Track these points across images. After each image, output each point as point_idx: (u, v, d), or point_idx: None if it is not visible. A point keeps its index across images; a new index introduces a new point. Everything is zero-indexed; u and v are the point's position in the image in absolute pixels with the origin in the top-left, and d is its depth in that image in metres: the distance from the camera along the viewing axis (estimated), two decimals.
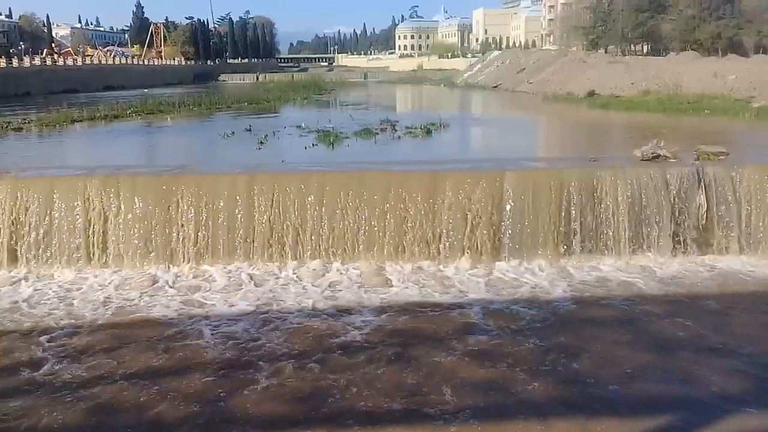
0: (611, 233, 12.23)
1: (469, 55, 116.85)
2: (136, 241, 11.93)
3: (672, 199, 12.48)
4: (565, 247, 12.17)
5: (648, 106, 33.48)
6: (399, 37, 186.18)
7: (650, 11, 67.33)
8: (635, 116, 30.03)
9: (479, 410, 7.04)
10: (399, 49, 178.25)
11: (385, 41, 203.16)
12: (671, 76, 39.87)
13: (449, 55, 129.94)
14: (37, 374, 7.98)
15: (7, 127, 26.77)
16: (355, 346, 8.68)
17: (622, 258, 12.12)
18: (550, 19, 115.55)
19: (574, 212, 12.21)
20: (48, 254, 11.89)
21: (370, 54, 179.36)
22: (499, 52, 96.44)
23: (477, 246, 12.04)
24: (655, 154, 13.65)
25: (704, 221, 12.48)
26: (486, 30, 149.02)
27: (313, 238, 12.05)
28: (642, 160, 13.61)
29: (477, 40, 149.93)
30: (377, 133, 21.75)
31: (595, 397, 7.30)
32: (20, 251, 11.87)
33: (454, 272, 11.60)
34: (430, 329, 9.24)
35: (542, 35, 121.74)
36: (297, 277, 11.42)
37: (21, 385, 7.71)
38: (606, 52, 71.20)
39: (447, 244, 12.02)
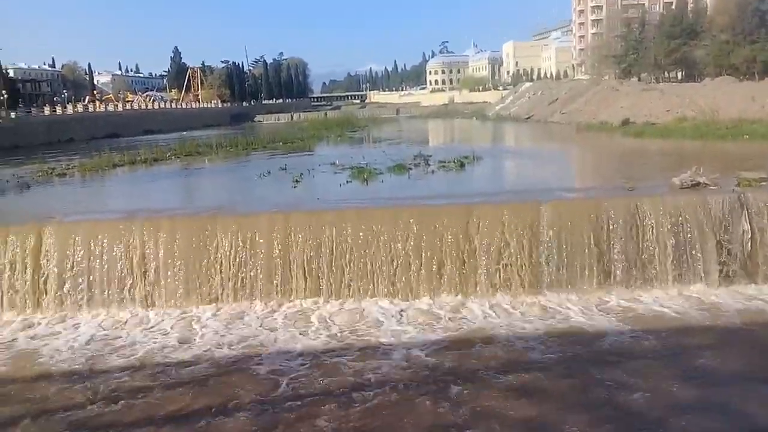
0: (653, 263, 11.98)
1: (500, 88, 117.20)
2: (177, 282, 12.11)
3: (714, 226, 12.20)
4: (605, 278, 11.96)
5: (684, 132, 32.95)
6: (430, 72, 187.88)
7: (683, 38, 66.77)
8: (671, 143, 29.58)
9: None
10: (430, 84, 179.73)
11: (416, 77, 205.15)
12: (707, 102, 39.26)
13: (480, 88, 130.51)
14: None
15: (51, 173, 27.63)
16: (394, 380, 8.59)
17: (665, 288, 11.85)
18: (581, 49, 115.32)
19: (614, 243, 12.02)
20: (90, 296, 12.13)
21: (402, 90, 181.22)
22: (531, 83, 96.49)
23: (514, 279, 11.92)
24: (694, 182, 13.41)
25: (749, 248, 12.14)
26: (517, 62, 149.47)
27: (347, 274, 12.08)
28: (681, 188, 13.38)
29: (508, 72, 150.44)
30: (411, 168, 21.82)
31: None
32: (65, 293, 12.15)
33: (491, 306, 11.46)
34: (470, 364, 9.10)
35: (573, 65, 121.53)
36: (330, 315, 11.43)
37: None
38: (639, 79, 70.64)
39: (484, 278, 11.92)
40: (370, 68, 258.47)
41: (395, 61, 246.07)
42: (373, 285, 12.06)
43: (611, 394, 8.00)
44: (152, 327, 11.37)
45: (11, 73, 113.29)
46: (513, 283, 11.95)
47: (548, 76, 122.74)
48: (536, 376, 8.62)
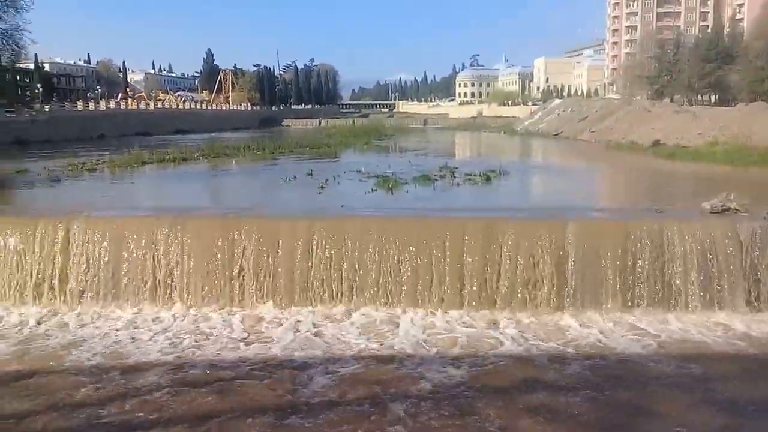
0: (680, 288, 11.76)
1: (530, 103, 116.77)
2: (199, 282, 12.18)
3: (744, 253, 11.95)
4: (630, 300, 11.77)
5: (715, 157, 32.44)
6: (459, 84, 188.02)
7: (717, 62, 65.99)
8: (702, 167, 29.17)
9: None
10: (459, 96, 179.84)
11: (445, 88, 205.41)
12: (740, 127, 38.60)
13: (509, 102, 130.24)
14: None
15: (82, 167, 28.13)
16: (417, 396, 8.52)
17: (692, 313, 11.61)
18: (613, 68, 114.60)
19: (640, 265, 11.83)
20: (115, 293, 12.25)
21: (430, 101, 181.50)
22: (561, 100, 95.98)
23: (537, 297, 11.78)
24: (724, 207, 13.17)
25: None
26: (547, 78, 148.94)
27: (369, 283, 12.05)
28: (711, 212, 13.14)
29: (538, 88, 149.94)
30: (436, 180, 21.80)
31: None
32: (89, 289, 12.28)
33: (515, 323, 11.34)
34: (492, 383, 8.99)
35: (605, 84, 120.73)
36: (353, 322, 11.38)
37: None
38: (672, 101, 69.87)
39: (507, 294, 11.80)
40: (400, 78, 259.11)
41: (425, 72, 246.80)
42: (389, 295, 11.98)
43: (633, 419, 7.85)
44: (168, 327, 11.41)
45: (47, 68, 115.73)
46: (534, 301, 11.81)
47: (579, 93, 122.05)
48: (553, 396, 8.49)
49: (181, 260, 12.27)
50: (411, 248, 12.02)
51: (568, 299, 11.75)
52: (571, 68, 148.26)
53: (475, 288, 11.82)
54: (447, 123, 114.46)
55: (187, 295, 12.19)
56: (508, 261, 11.85)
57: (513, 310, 11.68)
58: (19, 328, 11.36)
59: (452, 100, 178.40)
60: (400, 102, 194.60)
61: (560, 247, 11.92)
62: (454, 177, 22.77)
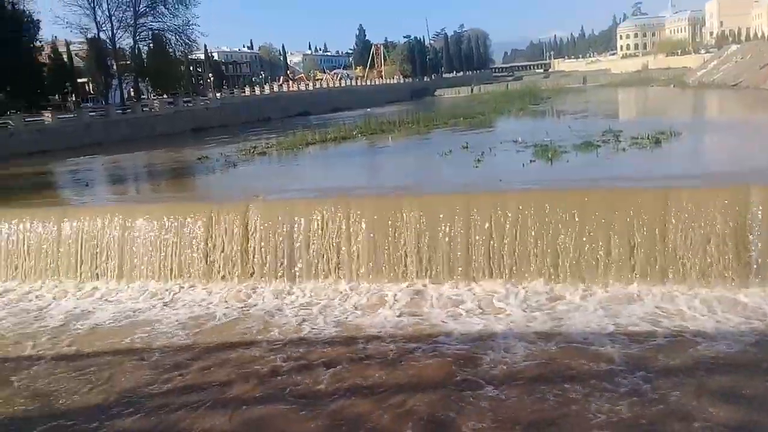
0: None
1: (702, 51, 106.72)
2: (366, 259, 12.74)
3: None
4: None
5: None
6: (620, 36, 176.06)
7: None
8: None
9: None
10: (621, 49, 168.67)
11: (605, 42, 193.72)
12: None
13: (679, 52, 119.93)
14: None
15: (253, 151, 30.30)
16: (596, 373, 8.35)
17: None
18: None
19: None
20: (293, 271, 13.18)
21: (589, 57, 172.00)
22: (738, 45, 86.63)
23: (718, 270, 10.93)
24: None
25: None
26: (721, 22, 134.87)
27: (531, 258, 11.88)
28: None
29: (711, 33, 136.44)
30: (599, 146, 20.73)
31: None
32: (268, 267, 13.31)
33: (692, 299, 10.63)
34: (663, 361, 8.57)
35: None
36: (522, 298, 11.30)
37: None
38: None
39: (682, 269, 11.08)
40: (554, 35, 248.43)
41: (582, 27, 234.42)
42: (556, 270, 11.73)
43: None
44: (346, 298, 12.09)
45: (216, 57, 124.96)
46: (715, 275, 10.96)
47: (759, 36, 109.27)
48: (744, 376, 7.93)
49: (349, 238, 12.86)
50: (572, 223, 11.66)
51: (753, 270, 10.78)
52: (749, 8, 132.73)
53: (648, 262, 11.21)
54: (608, 79, 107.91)
55: (360, 272, 12.76)
56: (683, 232, 11.10)
57: (689, 283, 10.95)
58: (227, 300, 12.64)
59: (613, 53, 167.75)
60: (556, 61, 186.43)
61: (743, 214, 10.93)
62: (619, 141, 21.52)
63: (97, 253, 14.31)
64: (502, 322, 10.39)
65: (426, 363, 9.15)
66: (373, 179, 21.13)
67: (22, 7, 59.98)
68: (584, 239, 11.59)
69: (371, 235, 12.76)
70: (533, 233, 11.82)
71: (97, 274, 14.25)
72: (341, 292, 12.47)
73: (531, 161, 18.79)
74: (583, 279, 11.55)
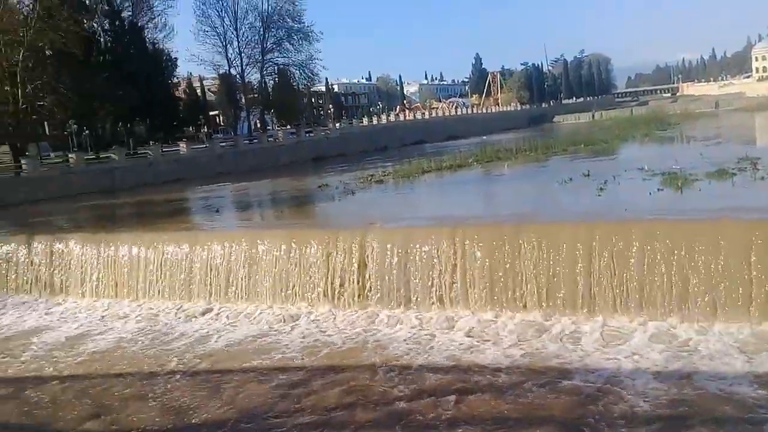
0: None
1: None
2: (481, 288, 12.57)
3: None
4: None
5: None
6: (756, 58, 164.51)
7: None
8: None
9: None
10: (756, 71, 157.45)
11: (738, 65, 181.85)
12: None
13: None
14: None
15: (371, 179, 30.94)
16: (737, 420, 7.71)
17: None
18: None
19: None
20: (408, 298, 13.24)
21: (721, 80, 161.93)
22: None
23: None
24: None
25: None
26: None
27: (659, 292, 11.21)
28: None
29: None
30: (734, 174, 19.30)
31: None
32: (383, 294, 13.46)
33: None
34: None
35: None
36: (650, 334, 10.67)
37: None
38: None
39: None
40: (683, 58, 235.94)
41: (713, 49, 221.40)
42: (685, 305, 10.99)
43: None
44: (461, 328, 11.95)
45: (335, 89, 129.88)
46: None
47: None
48: None
49: (464, 267, 12.76)
50: (705, 255, 10.89)
51: None
52: None
53: None
54: (743, 103, 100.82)
55: (475, 301, 12.61)
56: None
57: None
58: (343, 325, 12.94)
59: (748, 76, 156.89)
60: (685, 84, 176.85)
61: None
62: (757, 169, 19.93)
63: (224, 276, 15.10)
64: (630, 360, 9.84)
65: (548, 400, 8.81)
66: (489, 207, 20.88)
67: (161, 46, 65.70)
68: (719, 273, 10.79)
69: (487, 263, 12.60)
70: (663, 266, 11.17)
71: (225, 296, 15.01)
72: (456, 321, 12.34)
73: (658, 190, 17.81)
74: (717, 316, 10.74)
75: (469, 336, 11.56)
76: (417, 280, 13.14)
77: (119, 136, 55.71)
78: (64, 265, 17.54)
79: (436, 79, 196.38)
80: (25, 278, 18.15)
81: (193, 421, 9.25)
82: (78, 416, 9.86)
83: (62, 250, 17.66)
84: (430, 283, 13.03)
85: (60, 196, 37.11)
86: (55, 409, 10.33)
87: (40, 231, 20.47)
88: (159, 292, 15.88)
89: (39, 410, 10.36)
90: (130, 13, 64.33)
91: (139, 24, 64.24)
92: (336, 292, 13.91)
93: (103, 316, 15.51)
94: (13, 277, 18.41)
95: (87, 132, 53.10)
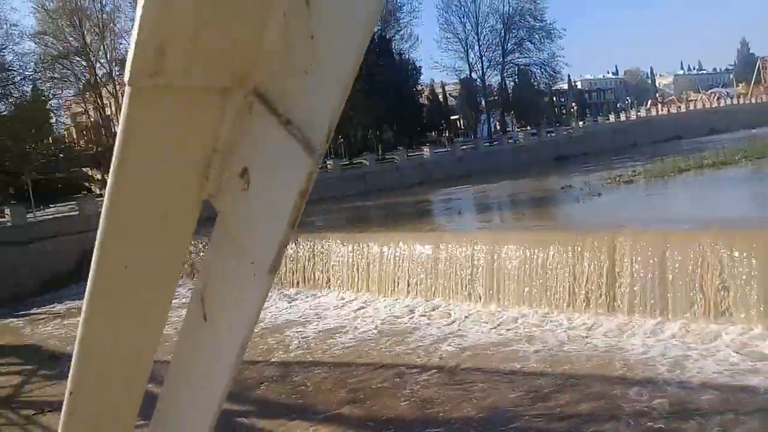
0: None
1: None
2: (759, 300, 11.10)
3: None
4: None
5: None
6: None
7: None
8: None
9: None
10: None
11: None
12: None
13: None
14: None
15: (619, 179, 29.16)
16: None
17: None
18: None
19: None
20: (664, 307, 12.22)
21: None
22: None
23: None
24: None
25: None
26: None
27: None
28: None
29: None
30: None
31: None
32: (635, 300, 12.58)
33: None
34: None
35: None
36: None
37: None
38: None
39: None
40: None
41: None
42: None
43: None
44: (729, 341, 10.71)
45: (578, 85, 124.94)
46: None
47: None
48: None
49: (742, 276, 11.38)
50: None
51: None
52: None
53: None
54: None
55: (751, 314, 11.19)
56: None
57: None
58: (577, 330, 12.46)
59: None
60: None
61: None
62: None
63: (468, 277, 15.36)
64: None
65: None
66: (761, 209, 18.41)
67: (407, 56, 69.25)
68: None
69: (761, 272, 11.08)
70: None
71: (467, 296, 15.28)
72: (723, 334, 11.06)
73: None
74: None
75: (740, 352, 10.28)
76: (676, 288, 12.04)
77: (369, 142, 59.94)
78: (324, 262, 19.35)
79: (693, 68, 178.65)
80: (292, 273, 20.39)
81: (442, 414, 9.56)
82: (337, 401, 10.78)
83: (323, 249, 19.50)
84: (691, 292, 11.85)
85: (317, 199, 41.07)
86: (316, 392, 11.42)
87: (304, 231, 22.85)
88: (400, 290, 16.69)
89: (304, 393, 11.52)
90: (379, 27, 68.86)
91: (387, 36, 68.46)
92: (583, 298, 13.35)
93: (356, 310, 16.75)
94: (283, 271, 20.81)
95: (341, 140, 58.01)
